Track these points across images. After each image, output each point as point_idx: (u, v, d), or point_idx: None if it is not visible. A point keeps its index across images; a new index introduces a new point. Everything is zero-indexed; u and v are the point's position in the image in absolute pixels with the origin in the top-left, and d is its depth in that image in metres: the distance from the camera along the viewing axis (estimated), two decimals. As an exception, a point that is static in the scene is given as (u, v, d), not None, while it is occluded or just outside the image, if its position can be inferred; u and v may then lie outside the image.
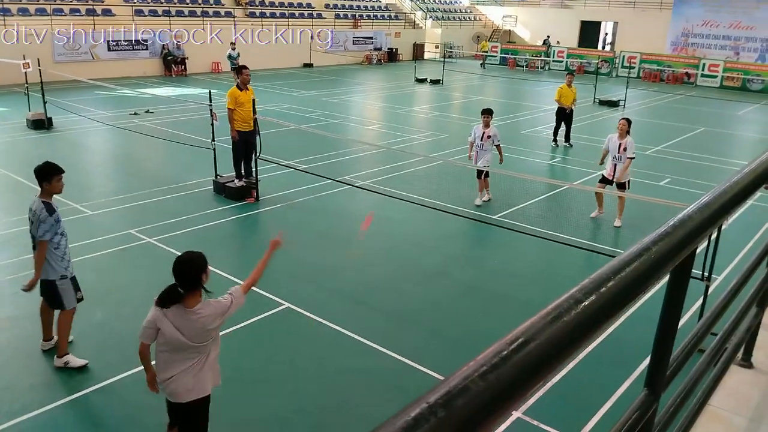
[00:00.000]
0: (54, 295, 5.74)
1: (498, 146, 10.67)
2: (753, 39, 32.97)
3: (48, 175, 5.52)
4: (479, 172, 10.73)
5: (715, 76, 30.34)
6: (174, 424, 4.37)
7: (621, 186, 9.85)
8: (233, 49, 25.44)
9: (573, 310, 0.80)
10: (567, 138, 15.74)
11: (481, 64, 36.01)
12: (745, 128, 20.78)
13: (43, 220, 5.44)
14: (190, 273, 3.89)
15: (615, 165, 9.87)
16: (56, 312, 5.94)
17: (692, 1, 35.08)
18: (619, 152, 9.82)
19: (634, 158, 9.91)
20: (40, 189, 5.57)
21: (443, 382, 0.63)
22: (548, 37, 37.46)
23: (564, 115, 15.48)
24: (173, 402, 4.18)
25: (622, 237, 9.66)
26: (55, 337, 5.93)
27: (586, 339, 0.81)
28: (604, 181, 10.04)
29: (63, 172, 5.64)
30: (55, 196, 5.67)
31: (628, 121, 9.99)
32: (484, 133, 10.53)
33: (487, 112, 10.55)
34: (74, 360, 5.83)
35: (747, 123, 21.72)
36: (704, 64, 30.83)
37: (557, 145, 15.75)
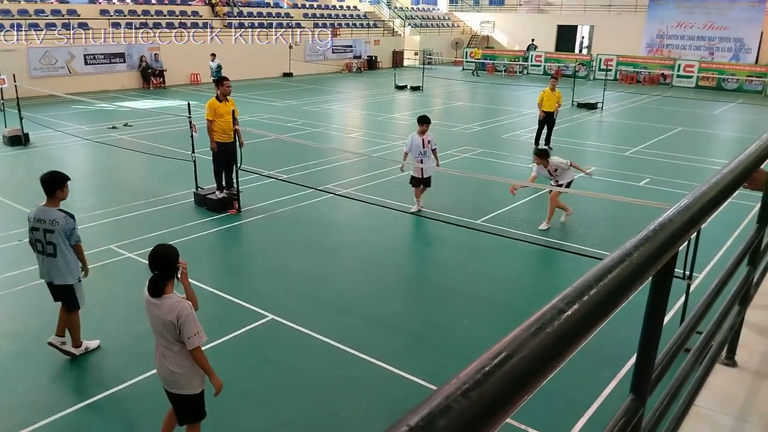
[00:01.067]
0: (72, 296, 6.05)
1: (434, 151, 10.54)
2: (727, 39, 33.52)
3: (60, 182, 5.84)
4: (420, 180, 10.51)
5: (691, 77, 30.79)
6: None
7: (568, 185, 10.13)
8: (213, 60, 25.32)
9: (556, 320, 0.79)
10: (547, 141, 15.86)
11: (473, 72, 35.83)
12: (722, 127, 21.09)
13: (72, 227, 5.86)
14: (167, 262, 4.20)
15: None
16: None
17: (666, 3, 35.60)
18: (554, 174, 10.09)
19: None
20: (48, 198, 5.83)
21: (424, 402, 0.61)
22: (533, 40, 37.78)
23: (547, 120, 15.61)
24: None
25: (605, 239, 9.73)
26: (65, 338, 6.21)
27: (570, 350, 0.79)
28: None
29: (69, 178, 6.00)
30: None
31: (540, 152, 10.08)
32: (424, 140, 10.31)
33: (425, 121, 10.39)
34: (90, 343, 6.32)
35: (723, 122, 22.05)
36: (679, 65, 31.28)
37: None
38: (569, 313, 0.81)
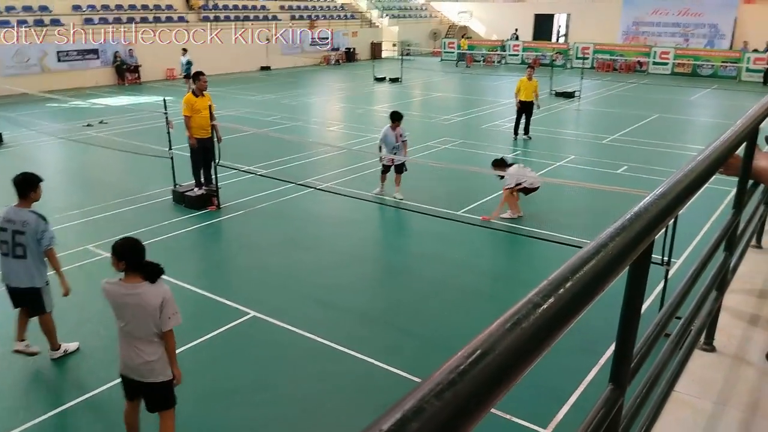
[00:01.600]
0: (38, 300, 5.90)
1: (405, 142, 10.93)
2: (701, 25, 33.87)
3: (33, 183, 5.72)
4: (389, 167, 10.95)
5: (666, 64, 31.09)
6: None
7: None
8: (183, 55, 24.87)
9: (532, 315, 0.77)
10: (526, 131, 15.92)
11: (456, 63, 35.51)
12: (697, 113, 21.34)
13: (45, 229, 5.70)
14: (138, 254, 4.28)
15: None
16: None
17: (641, -10, 35.88)
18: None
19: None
20: (20, 199, 5.70)
21: (397, 405, 0.60)
22: (516, 30, 37.83)
23: (525, 109, 15.64)
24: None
25: (585, 227, 9.80)
26: (27, 341, 6.10)
27: (546, 345, 0.78)
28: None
29: (43, 179, 5.89)
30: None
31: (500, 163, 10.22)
32: (396, 134, 10.72)
33: (398, 118, 10.75)
34: (69, 345, 6.24)
35: (699, 107, 22.31)
36: (655, 52, 31.56)
37: (516, 139, 15.93)
38: (545, 306, 0.80)
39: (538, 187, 10.00)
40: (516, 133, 15.96)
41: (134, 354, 4.30)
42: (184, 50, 25.07)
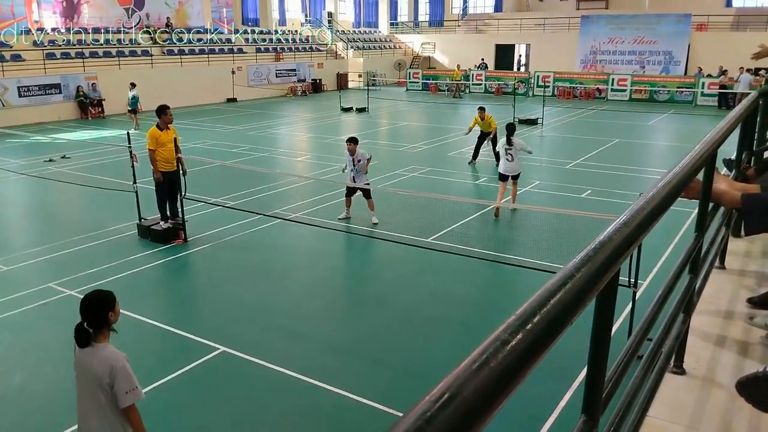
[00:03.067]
0: None
1: (364, 162, 11.22)
2: (656, 53, 34.99)
3: None
4: (353, 190, 11.23)
5: (624, 90, 31.98)
6: None
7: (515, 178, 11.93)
8: (131, 89, 22.93)
9: (500, 353, 0.75)
10: (497, 157, 16.32)
11: (454, 94, 34.58)
12: (656, 137, 21.93)
13: None
14: (97, 311, 3.75)
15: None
16: None
17: (597, 19, 36.98)
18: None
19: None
20: None
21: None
22: (483, 59, 38.52)
23: (485, 137, 16.09)
24: None
25: (551, 251, 9.90)
26: None
27: (516, 383, 0.76)
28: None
29: None
30: None
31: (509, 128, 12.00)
32: (354, 158, 11.07)
33: (352, 141, 11.16)
34: None
35: (657, 132, 22.94)
36: (613, 79, 32.46)
37: (474, 165, 16.33)
38: (513, 343, 0.78)
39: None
40: (474, 158, 16.43)
41: (85, 423, 3.82)
42: (132, 84, 23.33)
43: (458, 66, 36.35)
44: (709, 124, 22.09)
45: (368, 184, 11.36)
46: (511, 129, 11.77)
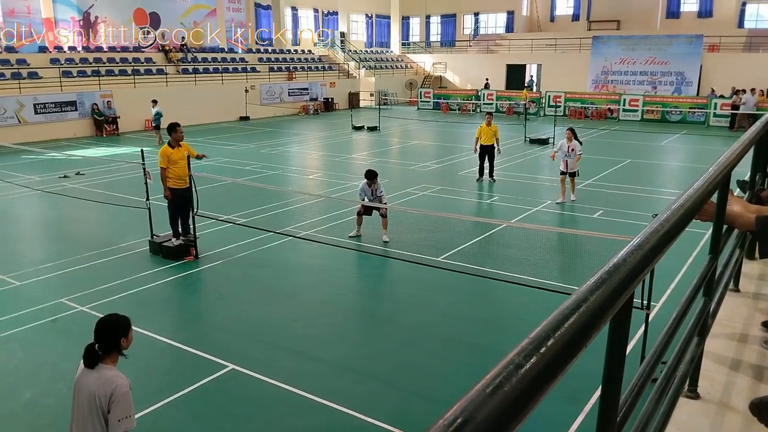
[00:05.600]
0: None
1: (380, 197, 11.41)
2: (668, 73, 34.99)
3: None
4: (368, 209, 11.36)
5: (636, 110, 31.94)
6: None
7: (572, 174, 13.93)
8: (154, 106, 23.61)
9: (514, 377, 0.75)
10: (491, 174, 16.38)
11: (520, 113, 32.33)
12: (668, 157, 21.84)
13: None
14: (110, 335, 3.73)
15: (566, 161, 13.70)
16: None
17: (609, 41, 37.10)
18: (568, 152, 13.69)
19: (581, 154, 13.92)
20: None
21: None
22: (487, 80, 38.72)
23: (487, 153, 16.19)
24: None
25: (563, 271, 9.84)
26: None
27: (530, 408, 0.75)
28: (563, 173, 13.84)
29: None
30: None
31: (572, 130, 14.15)
32: (373, 189, 11.30)
33: (371, 176, 11.25)
34: None
35: (669, 152, 22.85)
36: (625, 100, 32.45)
37: (482, 182, 16.37)
38: (527, 367, 0.77)
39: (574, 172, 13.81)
40: (480, 175, 16.43)
41: None
42: (154, 101, 23.97)
43: (526, 87, 35.76)
44: (722, 145, 21.92)
45: (386, 203, 11.49)
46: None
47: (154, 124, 23.44)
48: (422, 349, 7.39)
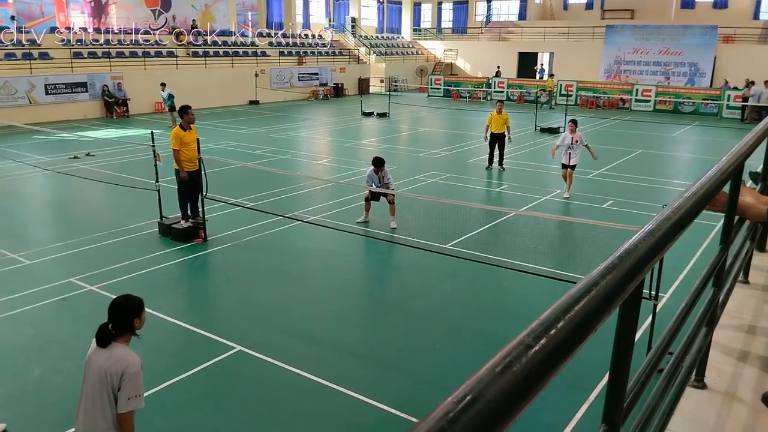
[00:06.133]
0: None
1: (387, 185, 11.33)
2: (681, 64, 34.63)
3: None
4: (377, 195, 11.31)
5: (648, 101, 31.67)
6: None
7: (572, 167, 13.53)
8: (163, 89, 23.78)
9: (523, 357, 0.75)
10: (500, 162, 16.32)
11: (548, 103, 32.55)
12: (680, 149, 21.67)
13: None
14: (123, 316, 3.79)
15: (569, 153, 13.40)
16: None
17: (622, 30, 36.72)
18: (572, 144, 13.35)
19: (586, 145, 13.59)
20: None
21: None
22: (498, 67, 38.49)
23: (497, 141, 16.13)
24: None
25: (570, 261, 9.81)
26: None
27: (539, 388, 0.76)
28: (564, 166, 13.60)
29: None
30: None
31: (575, 122, 13.82)
32: (380, 177, 11.21)
33: (378, 164, 11.16)
34: None
35: (681, 144, 22.67)
36: (637, 90, 32.17)
37: (491, 170, 16.31)
38: (537, 348, 0.77)
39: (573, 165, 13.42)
40: (490, 163, 16.39)
41: (87, 419, 3.76)
42: (163, 84, 24.00)
43: (551, 76, 34.97)
44: (734, 137, 21.71)
45: (393, 189, 11.43)
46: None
47: (168, 106, 23.46)
48: (428, 335, 7.42)
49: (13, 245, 10.12)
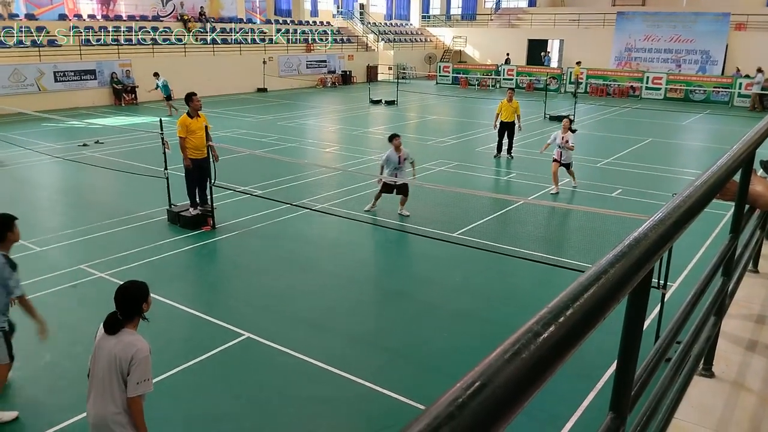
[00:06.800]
0: None
1: (413, 163, 11.20)
2: (693, 51, 34.27)
3: (10, 223, 5.31)
4: (392, 187, 11.09)
5: (659, 89, 31.38)
6: None
7: (568, 165, 12.95)
8: (158, 78, 23.50)
9: (532, 344, 0.75)
10: (509, 150, 16.26)
11: (574, 93, 31.56)
12: (690, 137, 21.50)
13: (10, 276, 5.22)
14: (133, 302, 3.85)
15: (560, 152, 12.72)
16: None
17: (633, 17, 36.33)
18: (562, 143, 12.63)
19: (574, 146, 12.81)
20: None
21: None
22: (508, 55, 38.23)
23: (507, 129, 16.02)
24: None
25: (580, 250, 9.79)
26: None
27: (547, 375, 0.76)
28: (556, 161, 12.84)
29: (17, 218, 5.43)
30: None
31: (570, 120, 13.07)
32: (400, 156, 10.94)
33: (396, 136, 11.01)
34: (4, 414, 5.46)
35: (691, 132, 22.49)
36: (648, 78, 31.87)
37: (499, 158, 16.29)
38: (545, 336, 0.78)
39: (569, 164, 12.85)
40: (498, 151, 16.35)
41: (98, 409, 3.82)
42: (156, 74, 23.77)
43: (578, 63, 34.03)
44: (746, 126, 21.49)
45: (409, 179, 11.11)
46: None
47: (165, 95, 23.32)
48: (435, 323, 7.44)
49: (23, 232, 10.10)
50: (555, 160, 12.88)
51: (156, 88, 23.88)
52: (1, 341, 5.39)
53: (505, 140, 16.29)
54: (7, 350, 5.45)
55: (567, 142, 12.58)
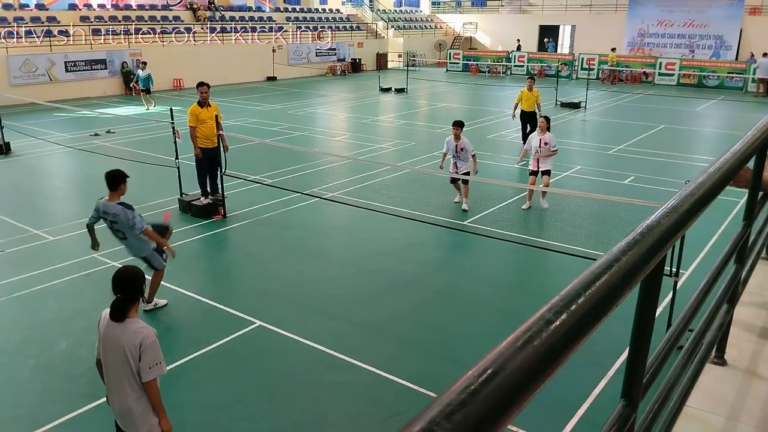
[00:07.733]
0: (150, 263, 7.08)
1: (474, 156, 10.88)
2: (707, 37, 33.85)
3: (123, 178, 6.80)
4: (455, 178, 10.95)
5: (672, 75, 31.05)
6: None
7: (546, 173, 10.90)
8: (143, 69, 22.58)
9: (544, 332, 0.75)
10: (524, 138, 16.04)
11: (605, 80, 32.04)
12: (704, 123, 21.28)
13: (133, 217, 6.70)
14: (133, 285, 3.98)
15: (537, 159, 10.90)
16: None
17: (646, 2, 35.90)
18: (540, 147, 10.84)
19: (554, 150, 11.03)
20: (111, 192, 6.79)
21: (405, 428, 0.58)
22: (519, 41, 37.96)
23: (528, 120, 15.74)
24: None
25: (591, 237, 9.75)
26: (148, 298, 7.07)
27: (559, 362, 0.76)
28: (533, 173, 11.05)
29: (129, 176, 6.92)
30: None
31: (547, 119, 11.23)
32: (457, 145, 10.73)
33: (457, 125, 10.72)
34: (160, 301, 7.35)
35: (705, 118, 22.25)
36: (661, 63, 31.53)
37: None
38: (557, 323, 0.78)
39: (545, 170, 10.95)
40: (524, 141, 16.05)
41: (118, 397, 3.92)
42: (144, 63, 23.10)
43: (613, 49, 33.15)
44: (760, 112, 21.24)
45: (468, 173, 10.72)
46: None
47: (142, 88, 22.29)
48: (445, 311, 7.45)
49: (36, 222, 10.29)
50: (532, 173, 11.00)
51: (136, 81, 23.01)
52: (156, 254, 7.10)
53: (528, 130, 15.99)
54: (161, 258, 7.17)
55: (547, 145, 10.81)
